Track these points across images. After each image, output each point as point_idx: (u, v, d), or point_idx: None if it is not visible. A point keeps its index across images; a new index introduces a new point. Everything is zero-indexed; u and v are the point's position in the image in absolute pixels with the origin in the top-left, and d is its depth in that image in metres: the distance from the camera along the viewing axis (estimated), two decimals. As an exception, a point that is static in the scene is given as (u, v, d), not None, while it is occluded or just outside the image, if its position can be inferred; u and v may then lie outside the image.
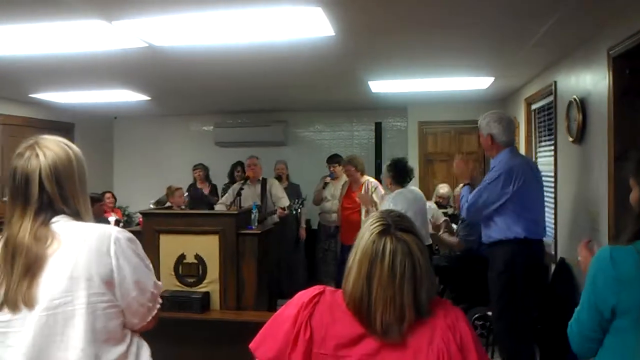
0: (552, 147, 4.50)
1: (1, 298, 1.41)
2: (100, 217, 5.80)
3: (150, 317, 1.60)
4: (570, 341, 1.77)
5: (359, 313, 1.38)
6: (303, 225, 6.51)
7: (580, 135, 3.68)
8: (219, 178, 7.08)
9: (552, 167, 4.40)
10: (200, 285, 4.03)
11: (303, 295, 1.48)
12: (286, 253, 6.24)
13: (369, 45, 3.84)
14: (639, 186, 1.74)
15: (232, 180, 6.68)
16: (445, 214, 5.73)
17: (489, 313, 4.09)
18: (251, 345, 1.48)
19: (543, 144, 5.09)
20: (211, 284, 4.02)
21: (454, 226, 5.49)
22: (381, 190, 5.35)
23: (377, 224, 1.42)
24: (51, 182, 1.49)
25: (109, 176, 8.35)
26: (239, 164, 6.82)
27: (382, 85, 5.48)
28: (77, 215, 1.53)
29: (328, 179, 6.27)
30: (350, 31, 3.35)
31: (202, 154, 7.71)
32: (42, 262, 1.42)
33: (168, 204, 5.83)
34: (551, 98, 4.51)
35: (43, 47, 3.59)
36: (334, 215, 5.97)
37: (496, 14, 3.10)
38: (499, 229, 3.34)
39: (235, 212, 4.40)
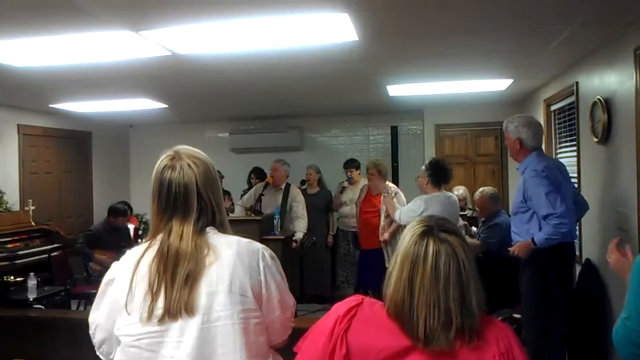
0: (574, 148, 4.46)
1: (161, 309, 1.39)
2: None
3: (287, 336, 1.59)
4: (617, 348, 1.69)
5: (401, 319, 1.30)
6: (332, 232, 6.53)
7: (606, 136, 3.65)
8: (235, 185, 7.08)
9: (575, 168, 4.36)
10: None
11: (340, 307, 1.40)
12: (314, 257, 6.24)
13: (390, 50, 3.85)
14: None
15: (250, 186, 6.65)
16: (464, 216, 5.70)
17: (515, 315, 4.06)
18: (295, 348, 1.46)
19: (563, 145, 5.06)
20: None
21: (474, 229, 5.47)
22: (402, 196, 5.32)
23: (419, 225, 1.38)
24: (207, 191, 1.53)
25: (125, 184, 8.39)
26: (253, 170, 6.90)
27: (400, 89, 5.47)
28: (222, 226, 1.55)
29: (346, 184, 6.27)
30: (373, 36, 3.35)
31: (217, 161, 7.61)
32: (202, 271, 1.42)
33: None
34: (572, 99, 4.48)
35: (68, 58, 3.63)
36: (353, 220, 5.94)
37: (517, 18, 3.09)
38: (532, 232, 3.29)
39: (259, 218, 4.41)
